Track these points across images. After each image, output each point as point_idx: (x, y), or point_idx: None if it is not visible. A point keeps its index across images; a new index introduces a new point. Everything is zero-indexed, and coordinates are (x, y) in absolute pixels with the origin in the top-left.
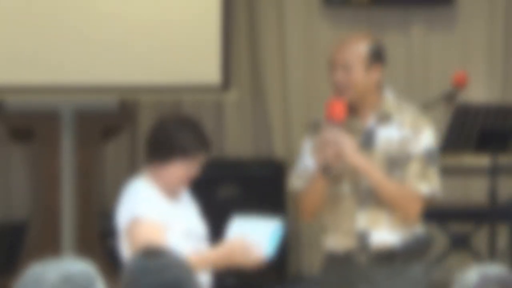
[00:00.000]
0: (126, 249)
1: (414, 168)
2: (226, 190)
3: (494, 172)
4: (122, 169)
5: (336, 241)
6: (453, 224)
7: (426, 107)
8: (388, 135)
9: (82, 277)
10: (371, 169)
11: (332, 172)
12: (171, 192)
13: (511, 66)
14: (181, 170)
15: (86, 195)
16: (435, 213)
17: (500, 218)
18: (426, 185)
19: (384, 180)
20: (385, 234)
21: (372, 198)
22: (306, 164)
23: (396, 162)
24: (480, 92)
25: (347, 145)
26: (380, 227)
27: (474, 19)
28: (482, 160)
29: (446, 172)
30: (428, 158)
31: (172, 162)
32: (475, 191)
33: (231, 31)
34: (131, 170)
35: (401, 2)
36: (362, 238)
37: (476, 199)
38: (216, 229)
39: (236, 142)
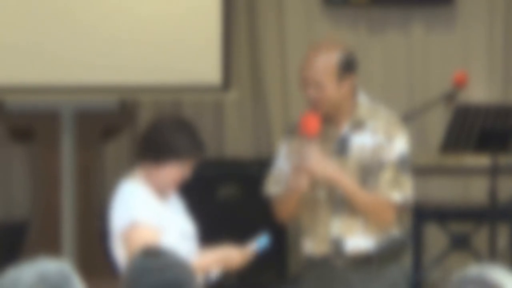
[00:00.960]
0: (121, 252)
1: (386, 175)
2: (226, 190)
3: (494, 172)
4: (122, 169)
5: (313, 246)
6: (453, 224)
7: (426, 107)
8: (362, 143)
9: (58, 276)
10: (343, 179)
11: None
12: (162, 193)
13: (511, 65)
14: (174, 172)
15: (86, 195)
16: (436, 213)
17: (500, 218)
18: (398, 193)
19: (356, 190)
20: (359, 240)
21: (346, 205)
22: (281, 168)
23: (369, 170)
24: (480, 92)
25: (314, 159)
26: (355, 233)
27: (474, 18)
28: (482, 160)
29: (446, 172)
30: (401, 165)
31: (165, 164)
32: (475, 191)
33: (231, 31)
34: (131, 170)
35: (401, 2)
36: (337, 245)
37: (476, 199)
38: (217, 228)
39: (236, 142)
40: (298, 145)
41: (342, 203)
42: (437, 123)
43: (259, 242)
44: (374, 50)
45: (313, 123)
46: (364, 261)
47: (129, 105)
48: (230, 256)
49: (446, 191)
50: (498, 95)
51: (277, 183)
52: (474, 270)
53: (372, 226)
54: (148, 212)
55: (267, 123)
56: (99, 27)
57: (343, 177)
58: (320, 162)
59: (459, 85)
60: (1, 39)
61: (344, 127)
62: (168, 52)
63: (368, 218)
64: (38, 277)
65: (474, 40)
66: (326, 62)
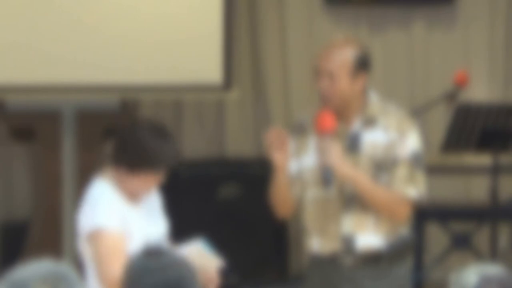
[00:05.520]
0: (86, 252)
1: (401, 172)
2: (227, 189)
3: (495, 171)
4: None
5: (322, 244)
6: (454, 223)
7: (427, 106)
8: (374, 139)
9: (58, 277)
10: (359, 178)
11: (332, 183)
12: (134, 198)
13: None
14: (148, 181)
15: None
16: (437, 212)
17: (501, 217)
18: (414, 189)
19: (373, 188)
20: (370, 237)
21: (356, 201)
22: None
23: (382, 166)
24: (481, 91)
25: (336, 156)
26: (366, 230)
27: (475, 17)
28: (484, 159)
29: (447, 171)
30: (415, 161)
31: (139, 173)
32: (477, 190)
33: (233, 30)
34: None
35: (402, 1)
36: (348, 242)
37: (477, 198)
38: (218, 227)
39: (237, 142)
40: (316, 142)
41: (353, 200)
42: (438, 122)
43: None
44: (375, 49)
45: (328, 119)
46: (373, 260)
47: (130, 105)
48: (208, 276)
49: (447, 190)
50: (499, 94)
51: None
52: (494, 269)
53: (383, 223)
54: (113, 217)
55: (268, 122)
56: (100, 26)
57: (360, 174)
58: (341, 159)
59: (460, 84)
60: (1, 39)
61: (355, 124)
62: (169, 52)
63: (384, 215)
64: (39, 277)
65: (475, 39)
66: (343, 55)
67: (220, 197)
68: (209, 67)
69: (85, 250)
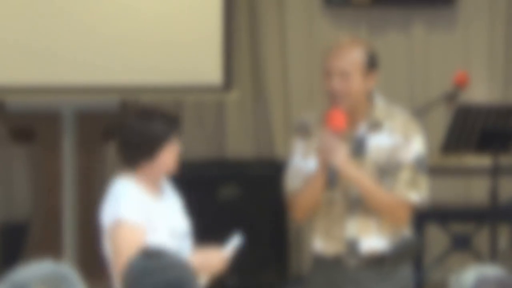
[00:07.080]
0: (109, 250)
1: (404, 176)
2: (227, 190)
3: (495, 172)
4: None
5: (326, 246)
6: (454, 224)
7: (427, 107)
8: (379, 143)
9: (58, 278)
10: (362, 178)
11: (336, 183)
12: (156, 189)
13: None
14: (170, 156)
15: (87, 195)
16: (436, 213)
17: (501, 218)
18: (416, 193)
19: (374, 189)
20: (374, 240)
21: (361, 205)
22: (299, 164)
23: (386, 170)
24: (481, 92)
25: (340, 154)
26: (369, 233)
27: (475, 19)
28: (483, 160)
29: (447, 172)
30: (418, 166)
31: (160, 153)
32: (476, 191)
33: (233, 31)
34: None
35: (402, 2)
36: (352, 245)
37: (477, 199)
38: (217, 228)
39: (237, 142)
40: (324, 139)
41: (357, 204)
42: (438, 123)
43: (233, 243)
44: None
45: (340, 117)
46: (377, 262)
47: (130, 106)
48: (211, 261)
49: (447, 191)
50: (499, 95)
51: (297, 178)
52: (493, 270)
53: (386, 226)
54: (134, 210)
55: (268, 123)
56: (100, 27)
57: (362, 176)
58: (347, 160)
59: (460, 85)
60: (1, 39)
61: (361, 128)
62: (169, 52)
63: (384, 218)
64: (39, 278)
65: (475, 40)
66: (355, 54)
67: (220, 197)
68: (209, 67)
69: (108, 247)
